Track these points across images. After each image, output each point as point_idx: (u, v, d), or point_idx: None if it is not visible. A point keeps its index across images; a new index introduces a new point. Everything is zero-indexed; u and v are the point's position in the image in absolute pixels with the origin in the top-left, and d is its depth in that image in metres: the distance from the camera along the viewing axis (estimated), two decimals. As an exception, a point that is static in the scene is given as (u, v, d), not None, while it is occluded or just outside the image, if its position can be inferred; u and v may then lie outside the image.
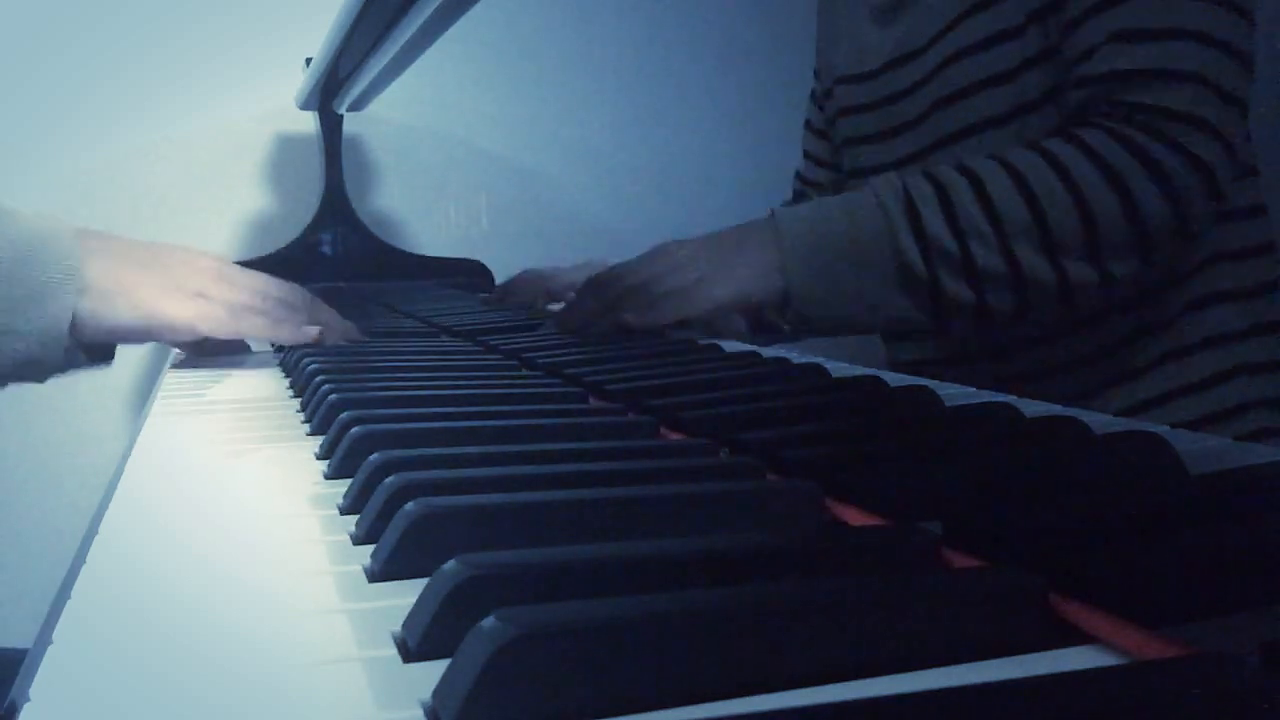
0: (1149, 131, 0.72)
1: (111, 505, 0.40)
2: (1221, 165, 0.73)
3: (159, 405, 0.65)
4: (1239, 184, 0.81)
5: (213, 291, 0.80)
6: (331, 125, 1.61)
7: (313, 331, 0.84)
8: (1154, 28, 0.73)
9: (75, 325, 0.73)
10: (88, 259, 0.74)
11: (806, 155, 1.13)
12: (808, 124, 1.12)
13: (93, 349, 0.77)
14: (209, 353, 0.89)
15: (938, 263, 0.75)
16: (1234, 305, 0.80)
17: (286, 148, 1.79)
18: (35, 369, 0.73)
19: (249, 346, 0.93)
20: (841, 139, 1.01)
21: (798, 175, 1.13)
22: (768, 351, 0.77)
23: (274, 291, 0.84)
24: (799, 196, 1.12)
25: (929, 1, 0.88)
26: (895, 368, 1.01)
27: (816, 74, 1.10)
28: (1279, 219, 0.83)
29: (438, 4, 0.97)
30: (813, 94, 1.11)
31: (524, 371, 0.71)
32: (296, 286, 0.87)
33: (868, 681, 0.24)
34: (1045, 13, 0.79)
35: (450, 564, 0.27)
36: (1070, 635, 0.27)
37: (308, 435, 0.55)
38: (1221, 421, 0.79)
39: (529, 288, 1.25)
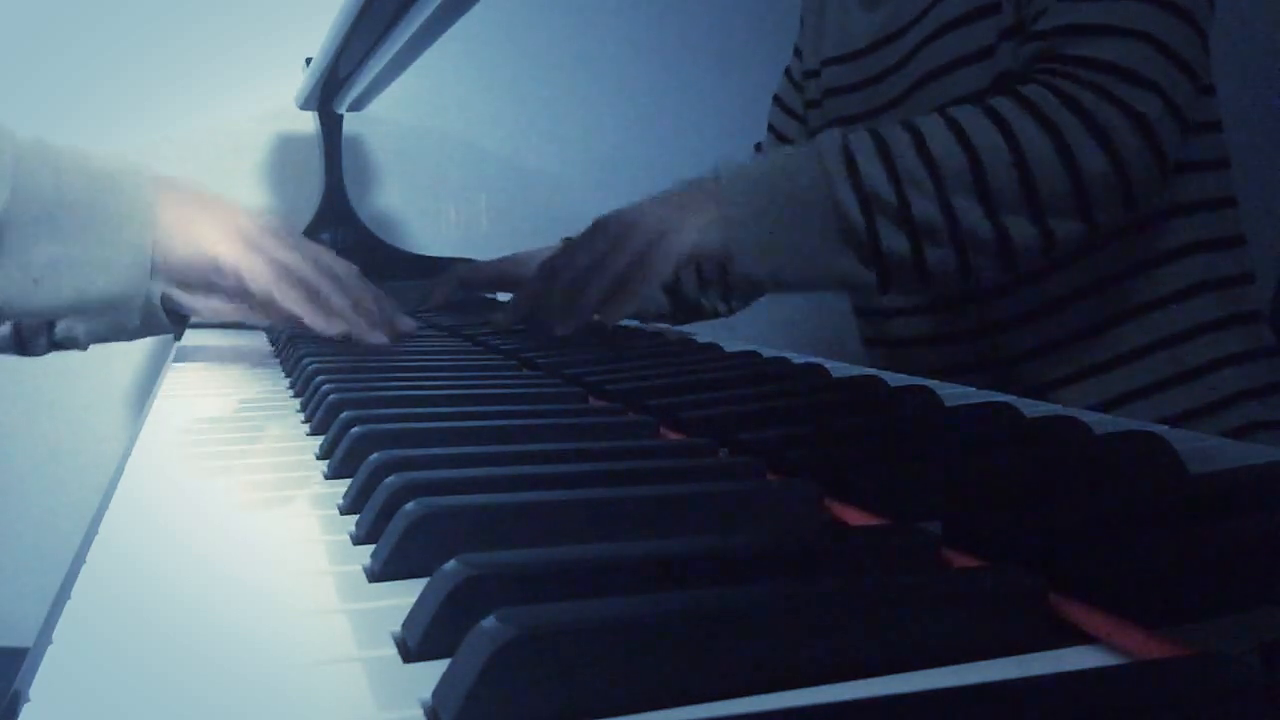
0: (1088, 85, 0.72)
1: (111, 505, 0.40)
2: (1164, 124, 0.71)
3: (159, 405, 0.65)
4: (1213, 173, 0.81)
5: (269, 246, 0.79)
6: (331, 125, 1.61)
7: (335, 329, 0.82)
8: None
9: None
10: (160, 195, 0.75)
11: (770, 129, 1.13)
12: (776, 98, 1.12)
13: (171, 313, 0.78)
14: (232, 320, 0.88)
15: (875, 213, 0.74)
16: (1214, 295, 0.80)
17: (286, 148, 1.79)
18: (121, 310, 0.73)
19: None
20: (827, 121, 1.01)
21: (757, 148, 1.14)
22: (767, 351, 0.77)
23: (325, 259, 0.83)
24: None
25: None
26: (870, 347, 1.01)
27: (798, 51, 1.09)
28: (1276, 213, 0.83)
29: (438, 4, 0.97)
30: (788, 70, 1.11)
31: (524, 371, 0.71)
32: (352, 266, 0.85)
33: (868, 681, 0.24)
34: None
35: (450, 564, 0.27)
36: (1070, 635, 0.27)
37: (308, 435, 0.55)
38: (1210, 414, 0.79)
39: (503, 276, 1.16)
